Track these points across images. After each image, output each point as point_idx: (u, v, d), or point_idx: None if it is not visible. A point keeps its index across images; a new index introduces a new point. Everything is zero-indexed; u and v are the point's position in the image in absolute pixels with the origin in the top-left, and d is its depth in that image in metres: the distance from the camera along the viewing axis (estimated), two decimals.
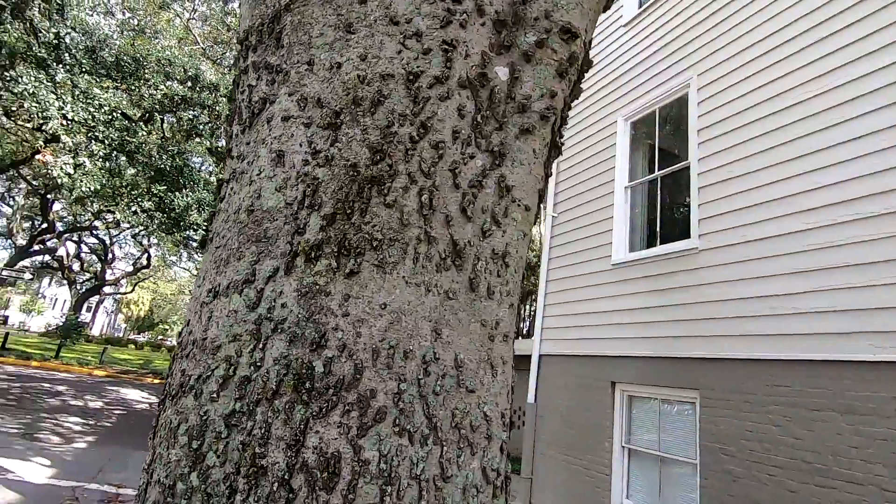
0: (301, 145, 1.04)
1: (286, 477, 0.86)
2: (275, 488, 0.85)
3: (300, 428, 0.88)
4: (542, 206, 1.25)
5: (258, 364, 0.92)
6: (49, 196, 24.79)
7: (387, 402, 0.91)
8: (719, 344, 5.41)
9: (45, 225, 27.70)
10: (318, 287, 0.95)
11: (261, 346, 0.93)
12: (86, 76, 10.50)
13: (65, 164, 10.37)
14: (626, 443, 6.52)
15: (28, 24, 9.55)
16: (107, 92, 10.84)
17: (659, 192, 7.02)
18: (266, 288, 0.97)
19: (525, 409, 7.91)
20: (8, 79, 9.27)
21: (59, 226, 29.40)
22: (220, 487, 0.87)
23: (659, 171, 7.02)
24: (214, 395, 0.93)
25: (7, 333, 21.32)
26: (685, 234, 6.30)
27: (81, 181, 10.48)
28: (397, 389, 0.91)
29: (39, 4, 9.60)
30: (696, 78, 6.48)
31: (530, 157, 1.12)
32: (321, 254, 0.97)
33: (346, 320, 0.93)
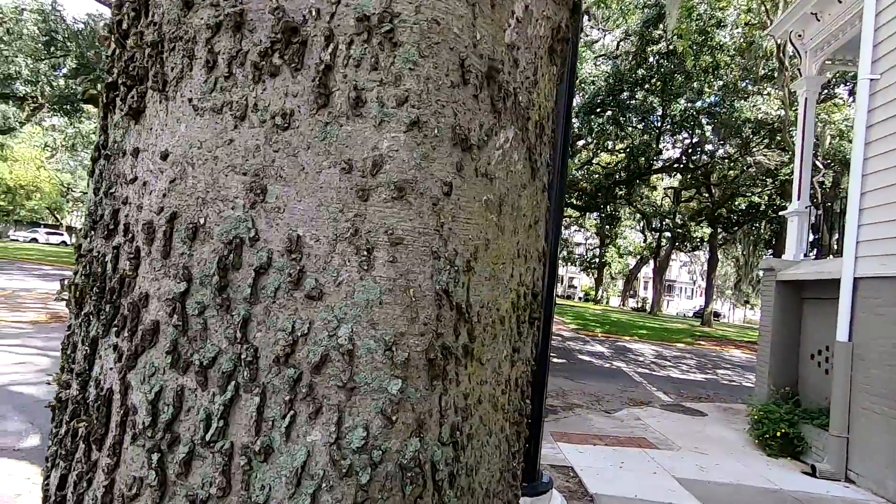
0: None
1: (71, 419, 0.59)
2: (63, 432, 0.60)
3: (88, 351, 0.59)
4: None
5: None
6: None
7: (160, 313, 0.53)
8: None
9: None
10: (116, 146, 0.63)
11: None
12: None
13: None
14: None
15: None
16: None
17: None
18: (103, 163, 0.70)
19: (833, 350, 5.90)
20: None
21: None
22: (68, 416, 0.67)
23: None
24: (71, 306, 0.73)
25: None
26: None
27: None
28: (173, 294, 0.52)
29: None
30: None
31: None
32: (117, 94, 0.63)
33: (133, 188, 0.58)
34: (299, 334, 0.49)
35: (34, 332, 7.94)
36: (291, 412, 0.48)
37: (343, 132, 0.51)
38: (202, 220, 0.53)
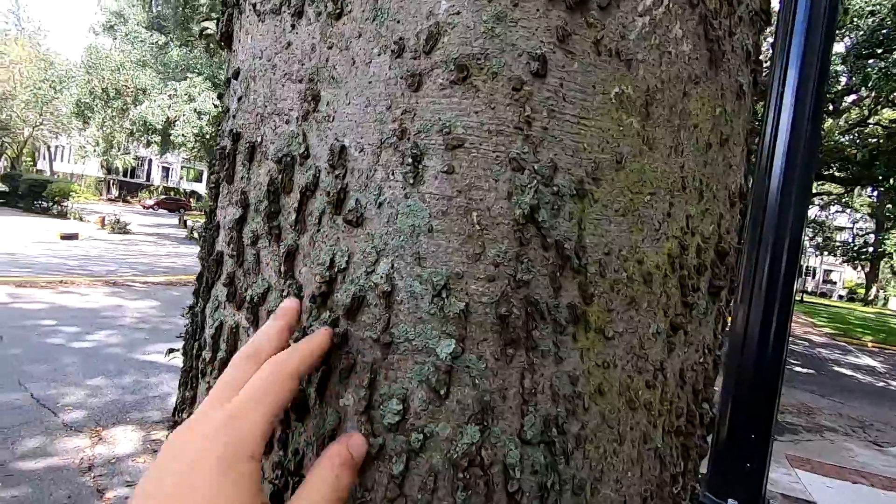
0: None
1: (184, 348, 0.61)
2: (183, 360, 0.63)
3: (198, 286, 0.60)
4: None
5: None
6: None
7: (223, 243, 0.48)
8: None
9: None
10: (225, 81, 0.62)
11: None
12: None
13: None
14: None
15: None
16: None
17: None
18: None
19: None
20: None
21: None
22: None
23: None
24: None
25: None
26: None
27: None
28: (231, 221, 0.47)
29: None
30: None
31: None
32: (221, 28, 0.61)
33: (227, 117, 0.56)
34: (337, 269, 0.39)
35: None
36: (324, 366, 0.39)
37: (394, 4, 0.38)
38: (259, 139, 0.46)
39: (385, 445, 0.35)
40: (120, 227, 18.69)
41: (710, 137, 0.50)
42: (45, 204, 21.89)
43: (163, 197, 44.34)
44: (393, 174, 0.37)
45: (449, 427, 0.35)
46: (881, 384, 9.17)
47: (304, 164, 0.43)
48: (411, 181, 0.36)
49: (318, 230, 0.41)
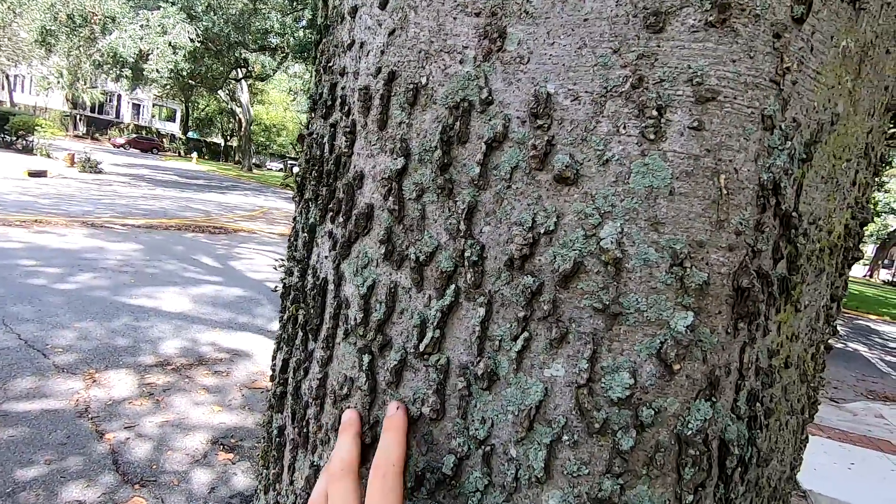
0: None
1: (291, 305, 0.58)
2: (286, 317, 0.60)
3: (307, 238, 0.56)
4: None
5: None
6: None
7: (374, 196, 0.44)
8: None
9: None
10: (335, 11, 0.55)
11: None
12: None
13: None
14: None
15: None
16: None
17: None
18: None
19: None
20: None
21: None
22: None
23: None
24: (294, 193, 0.73)
25: None
26: None
27: None
28: (389, 172, 0.42)
29: None
30: None
31: None
32: None
33: (350, 54, 0.49)
34: (542, 231, 0.35)
35: (284, 242, 9.86)
36: (525, 333, 0.36)
37: None
38: (424, 80, 0.41)
39: (609, 420, 0.33)
40: (91, 167, 17.84)
41: (889, 97, 0.47)
42: (7, 138, 20.67)
43: (134, 136, 42.32)
44: (624, 128, 0.33)
45: (677, 402, 0.34)
46: (839, 346, 9.73)
47: (486, 111, 0.39)
48: (651, 137, 0.32)
49: (509, 186, 0.37)
